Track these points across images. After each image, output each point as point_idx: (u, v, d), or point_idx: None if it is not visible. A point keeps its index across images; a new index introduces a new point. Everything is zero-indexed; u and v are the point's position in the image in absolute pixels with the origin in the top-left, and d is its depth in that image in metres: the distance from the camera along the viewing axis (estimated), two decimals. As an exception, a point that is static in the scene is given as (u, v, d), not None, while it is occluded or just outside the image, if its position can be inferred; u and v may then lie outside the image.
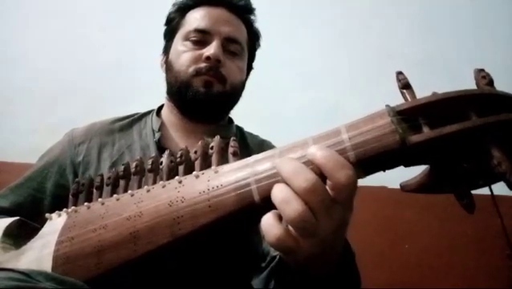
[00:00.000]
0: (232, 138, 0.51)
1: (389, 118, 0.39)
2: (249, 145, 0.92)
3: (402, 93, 0.42)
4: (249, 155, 0.46)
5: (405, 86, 0.42)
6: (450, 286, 1.63)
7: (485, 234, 1.61)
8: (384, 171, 0.42)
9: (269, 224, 0.39)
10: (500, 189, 0.43)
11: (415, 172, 0.43)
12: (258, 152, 0.46)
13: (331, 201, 0.38)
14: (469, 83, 0.41)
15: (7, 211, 0.76)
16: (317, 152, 0.39)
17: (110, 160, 0.82)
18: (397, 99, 0.43)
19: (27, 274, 0.41)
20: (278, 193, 0.39)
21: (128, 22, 1.94)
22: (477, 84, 0.40)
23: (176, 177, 0.50)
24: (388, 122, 0.39)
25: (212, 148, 0.51)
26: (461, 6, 2.00)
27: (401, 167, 0.43)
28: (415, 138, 0.38)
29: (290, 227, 0.39)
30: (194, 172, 0.49)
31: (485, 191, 0.44)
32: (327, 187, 0.39)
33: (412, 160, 0.40)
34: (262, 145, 0.93)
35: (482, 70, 0.41)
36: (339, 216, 0.39)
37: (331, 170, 0.38)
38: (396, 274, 1.65)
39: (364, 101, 1.71)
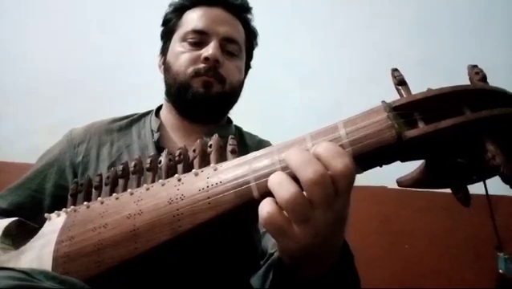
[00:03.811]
0: (230, 136, 0.51)
1: (385, 114, 0.40)
2: (247, 145, 0.92)
3: (397, 89, 0.43)
4: None
5: (400, 82, 0.43)
6: (450, 286, 1.64)
7: (485, 233, 1.61)
8: (381, 166, 0.42)
9: (264, 202, 0.40)
10: (497, 188, 0.43)
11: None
12: None
13: (333, 195, 0.39)
14: (468, 84, 0.42)
15: (7, 212, 0.76)
16: (316, 147, 0.40)
17: (109, 160, 0.82)
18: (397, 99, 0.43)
19: (28, 274, 0.41)
20: (274, 178, 0.40)
21: (128, 22, 1.94)
22: (471, 80, 0.41)
23: (176, 175, 0.50)
24: (384, 117, 0.40)
25: (210, 146, 0.51)
26: (460, 6, 2.00)
27: (400, 166, 0.43)
28: (411, 133, 0.38)
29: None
30: (193, 170, 0.49)
31: (483, 191, 0.44)
32: None
33: (409, 155, 0.41)
34: (261, 145, 0.93)
35: (475, 66, 0.42)
36: (337, 208, 0.40)
37: (328, 158, 0.38)
38: (396, 274, 1.65)
39: (364, 101, 1.69)
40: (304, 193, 0.39)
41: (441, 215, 1.68)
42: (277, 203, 0.39)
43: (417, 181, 0.42)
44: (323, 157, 0.38)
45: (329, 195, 0.38)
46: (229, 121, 0.97)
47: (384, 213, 1.73)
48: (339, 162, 0.38)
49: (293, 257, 0.44)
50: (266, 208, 0.39)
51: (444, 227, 1.70)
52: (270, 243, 0.71)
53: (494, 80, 0.41)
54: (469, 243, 1.67)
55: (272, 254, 0.67)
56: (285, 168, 0.41)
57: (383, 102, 0.41)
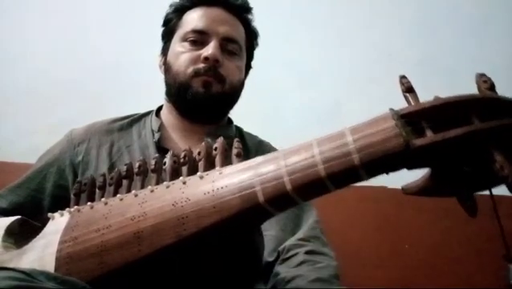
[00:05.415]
0: (236, 139, 0.51)
1: (393, 121, 0.39)
2: (247, 146, 0.92)
3: (405, 97, 0.43)
4: (248, 155, 0.46)
5: (408, 89, 0.43)
6: (450, 286, 1.64)
7: (485, 234, 1.61)
8: (387, 173, 0.42)
9: None
10: (499, 189, 0.43)
11: (415, 172, 0.43)
12: (256, 153, 0.46)
13: None
14: (468, 84, 0.42)
15: (6, 211, 0.76)
16: None
17: (109, 161, 0.82)
18: (397, 99, 0.43)
19: (28, 274, 0.41)
20: None
21: (128, 22, 1.94)
22: (479, 89, 0.41)
23: (181, 178, 0.50)
24: (392, 125, 0.39)
25: (215, 149, 0.51)
26: (460, 6, 2.00)
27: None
28: (418, 142, 0.38)
29: None
30: (198, 173, 0.49)
31: (484, 191, 0.44)
32: None
33: (415, 164, 0.41)
34: (261, 146, 0.93)
35: (483, 74, 0.41)
36: None
37: None
38: (396, 274, 1.65)
39: (364, 101, 1.71)
40: None
41: (441, 215, 1.67)
42: None
43: (423, 188, 0.42)
44: None
45: None
46: (230, 121, 0.97)
47: (384, 213, 1.73)
48: None
49: None
50: None
51: (444, 227, 1.69)
52: (266, 251, 0.71)
53: (494, 80, 0.41)
54: (469, 243, 1.67)
55: (270, 262, 0.66)
56: (290, 174, 0.41)
57: (390, 109, 0.41)
